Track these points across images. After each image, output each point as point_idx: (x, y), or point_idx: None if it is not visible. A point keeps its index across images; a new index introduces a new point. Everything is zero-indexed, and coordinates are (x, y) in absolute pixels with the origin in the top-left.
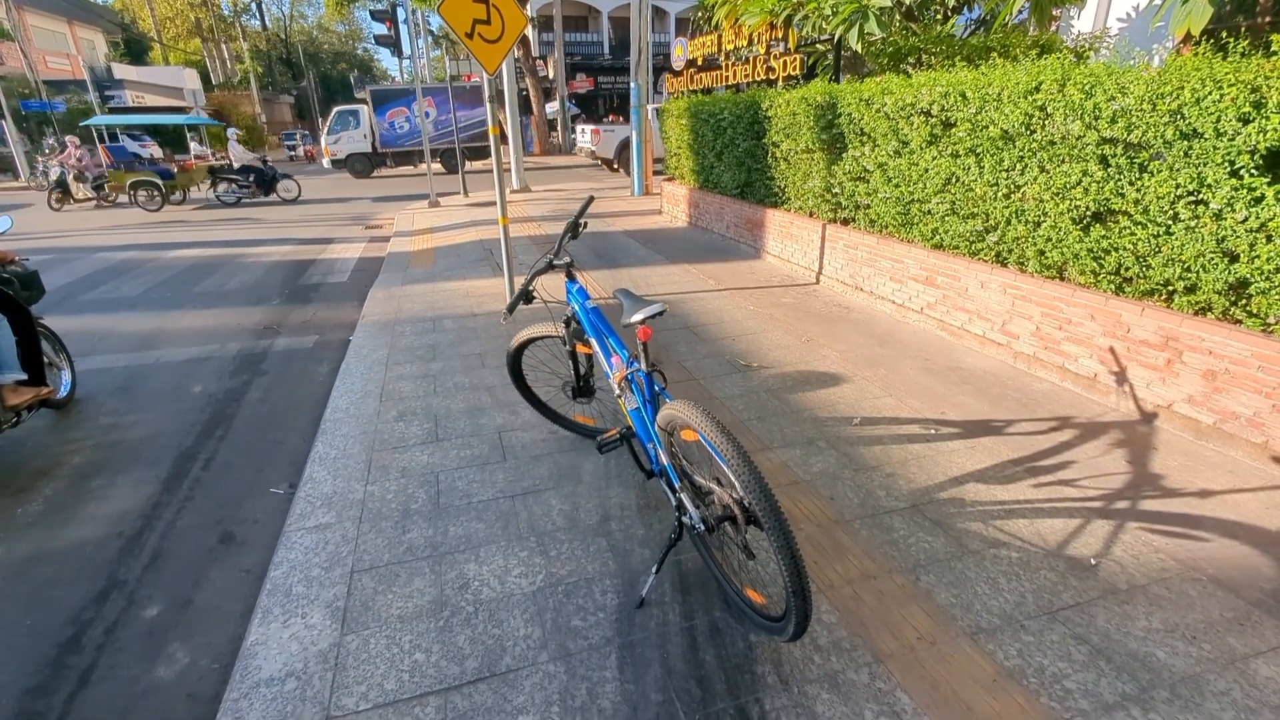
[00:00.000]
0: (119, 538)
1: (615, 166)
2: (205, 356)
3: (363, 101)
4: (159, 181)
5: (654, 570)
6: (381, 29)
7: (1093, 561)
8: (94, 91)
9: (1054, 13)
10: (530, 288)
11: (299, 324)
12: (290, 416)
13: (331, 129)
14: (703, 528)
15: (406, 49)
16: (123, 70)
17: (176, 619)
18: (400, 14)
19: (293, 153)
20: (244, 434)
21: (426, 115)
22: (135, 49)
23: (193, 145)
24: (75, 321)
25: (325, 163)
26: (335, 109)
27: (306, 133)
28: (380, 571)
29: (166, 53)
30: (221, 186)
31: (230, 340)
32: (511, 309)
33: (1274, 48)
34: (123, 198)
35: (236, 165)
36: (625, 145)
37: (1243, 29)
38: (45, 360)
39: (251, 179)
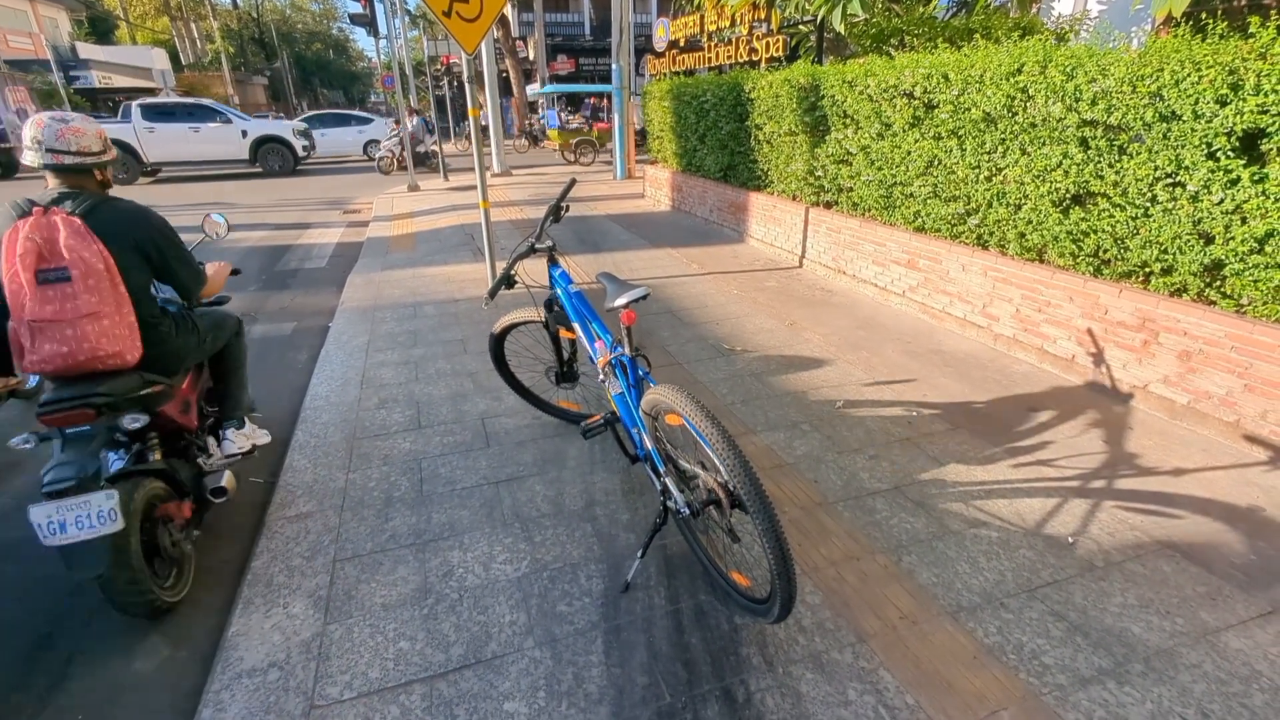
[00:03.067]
0: None
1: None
2: None
3: None
4: (594, 140)
5: (639, 555)
6: (356, 8)
7: (1070, 540)
8: (58, 71)
9: None
10: (512, 272)
11: (276, 310)
12: (269, 404)
13: None
14: (688, 512)
15: (383, 29)
16: (88, 50)
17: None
18: None
19: None
20: None
21: None
22: (101, 27)
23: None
24: None
25: None
26: None
27: (281, 115)
28: (363, 560)
29: (133, 31)
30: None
31: None
32: (493, 294)
33: (1252, 30)
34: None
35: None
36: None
37: (1220, 11)
38: None
39: None
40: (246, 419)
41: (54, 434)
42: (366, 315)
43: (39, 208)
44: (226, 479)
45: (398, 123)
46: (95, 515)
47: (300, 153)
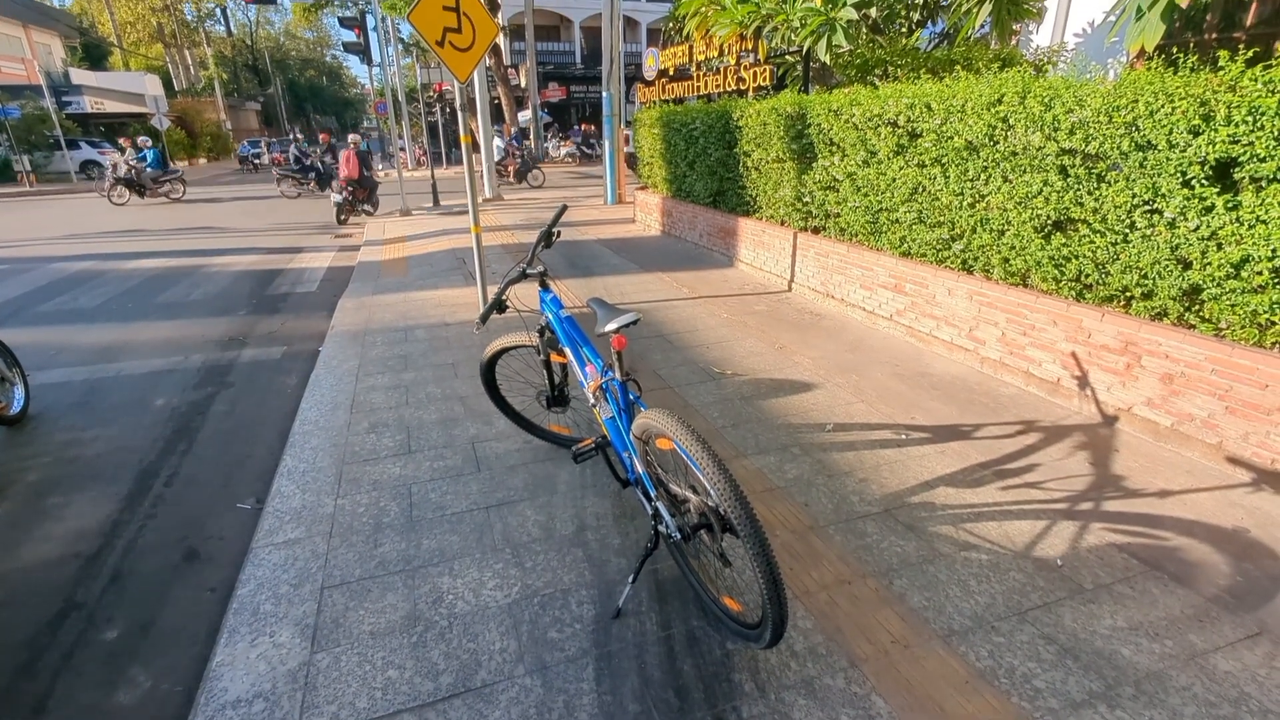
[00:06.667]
0: (76, 558)
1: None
2: (168, 369)
3: None
4: None
5: (630, 580)
6: (350, 36)
7: (1059, 562)
8: (50, 97)
9: (1014, 27)
10: (504, 297)
11: (266, 335)
12: (257, 430)
13: None
14: (679, 536)
15: (376, 57)
16: (81, 75)
17: (138, 641)
18: (370, 21)
19: (258, 160)
20: (209, 448)
21: None
22: (94, 54)
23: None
24: (30, 334)
25: None
26: None
27: (274, 140)
28: (351, 587)
29: (127, 58)
30: None
31: (194, 352)
32: (484, 319)
33: (1221, 63)
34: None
35: None
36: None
37: (1191, 44)
38: None
39: None
40: (374, 207)
41: (341, 188)
42: (357, 339)
43: (346, 150)
44: (375, 207)
45: None
46: (341, 195)
47: None
